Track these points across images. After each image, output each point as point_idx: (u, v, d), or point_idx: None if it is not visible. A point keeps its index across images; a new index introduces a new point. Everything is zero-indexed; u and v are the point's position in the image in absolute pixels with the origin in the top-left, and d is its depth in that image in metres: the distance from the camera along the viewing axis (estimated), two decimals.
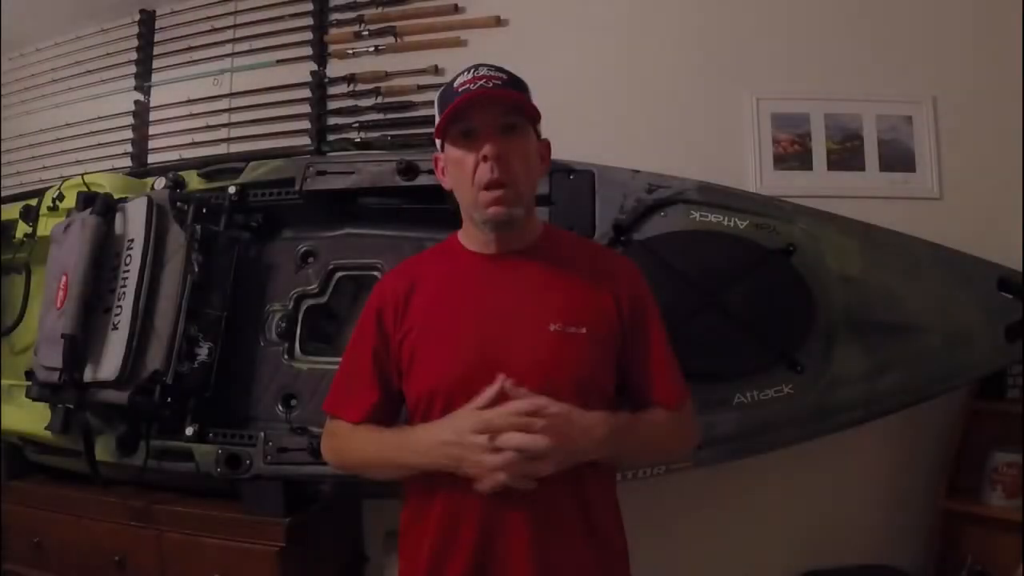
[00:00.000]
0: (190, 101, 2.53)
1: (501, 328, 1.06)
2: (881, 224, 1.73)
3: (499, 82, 1.07)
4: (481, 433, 0.97)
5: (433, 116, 2.46)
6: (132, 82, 2.62)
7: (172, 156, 2.51)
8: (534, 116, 1.11)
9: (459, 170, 1.09)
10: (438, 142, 1.15)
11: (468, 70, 1.10)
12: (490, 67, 1.10)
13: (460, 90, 1.06)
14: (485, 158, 1.05)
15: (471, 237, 1.17)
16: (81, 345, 1.75)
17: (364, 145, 2.30)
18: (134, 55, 2.63)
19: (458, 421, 1.00)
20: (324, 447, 1.21)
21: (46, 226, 2.08)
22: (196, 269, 1.82)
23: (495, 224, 1.09)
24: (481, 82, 1.06)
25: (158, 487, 1.89)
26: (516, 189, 1.08)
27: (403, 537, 1.15)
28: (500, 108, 1.07)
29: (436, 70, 2.31)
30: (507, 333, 1.06)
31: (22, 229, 2.16)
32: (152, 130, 2.60)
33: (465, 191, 1.10)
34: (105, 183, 2.03)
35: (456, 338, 1.08)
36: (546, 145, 1.18)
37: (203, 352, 1.85)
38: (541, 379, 1.03)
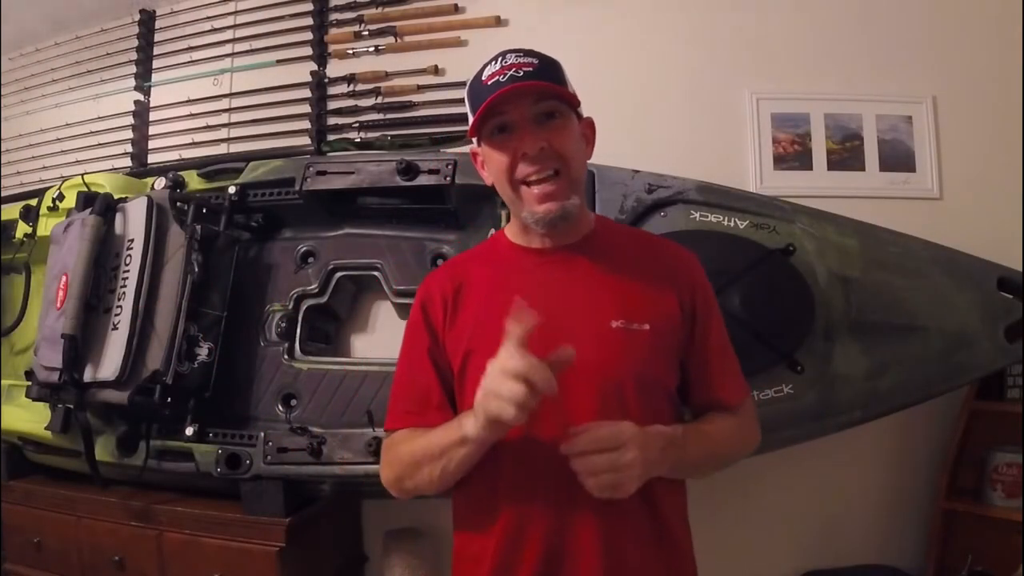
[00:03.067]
0: (190, 101, 2.53)
1: (561, 327, 0.99)
2: (881, 224, 1.73)
3: (530, 69, 0.99)
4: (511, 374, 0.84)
5: (433, 115, 2.46)
6: (132, 82, 2.62)
7: (172, 156, 2.51)
8: (572, 102, 1.03)
9: (498, 168, 1.02)
10: (474, 140, 1.08)
11: (496, 59, 1.02)
12: (519, 52, 1.02)
13: (490, 83, 0.99)
14: (525, 155, 0.99)
15: (519, 232, 1.11)
16: (81, 345, 1.75)
17: (364, 145, 2.30)
18: (134, 55, 2.63)
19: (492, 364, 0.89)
20: (387, 472, 1.07)
21: (46, 226, 2.09)
22: (196, 269, 1.82)
23: (548, 222, 1.02)
24: (511, 72, 0.98)
25: (158, 487, 1.89)
26: (568, 177, 1.01)
27: (458, 561, 1.07)
28: (534, 96, 1.00)
29: (436, 70, 2.31)
30: (568, 331, 0.98)
31: (22, 229, 2.16)
32: (152, 130, 2.60)
33: (507, 189, 1.04)
34: (105, 183, 2.04)
35: None
36: (589, 124, 1.10)
37: (203, 352, 1.85)
38: (604, 377, 0.99)
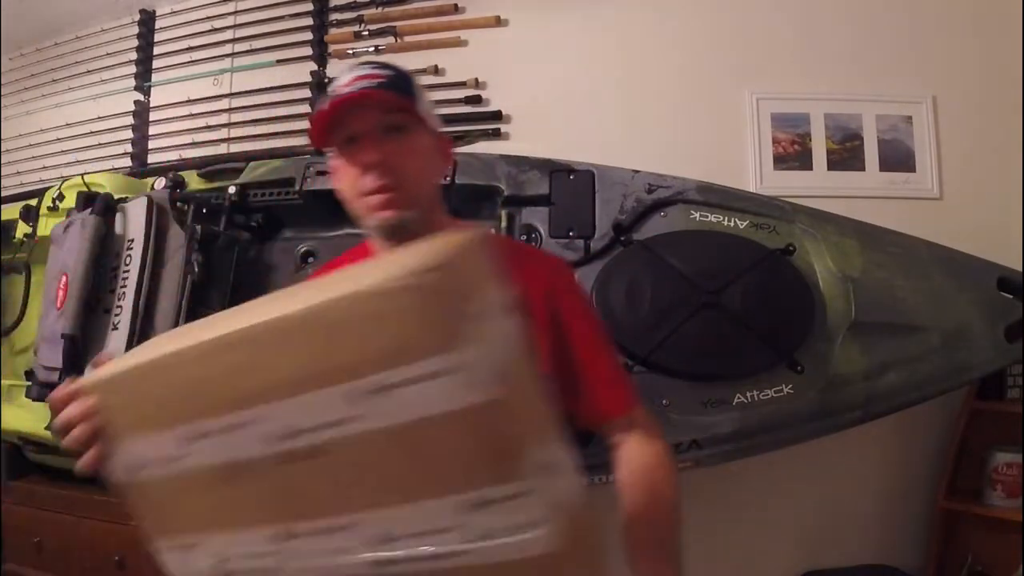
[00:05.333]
0: (190, 101, 2.53)
1: None
2: (881, 224, 1.73)
3: (381, 80, 0.96)
4: None
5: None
6: (132, 82, 2.63)
7: (172, 156, 2.51)
8: (419, 116, 0.99)
9: (345, 179, 1.01)
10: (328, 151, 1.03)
11: (350, 69, 1.00)
12: (373, 64, 0.99)
13: (338, 94, 0.96)
14: (365, 166, 0.97)
15: (377, 242, 1.09)
16: (81, 345, 1.75)
17: None
18: (134, 55, 2.64)
19: None
20: None
21: (46, 226, 2.09)
22: (196, 269, 1.82)
23: (385, 230, 1.01)
24: (361, 83, 0.95)
25: None
26: (406, 191, 0.99)
27: None
28: (380, 108, 0.96)
29: (436, 70, 2.30)
30: None
31: (22, 229, 2.16)
32: (152, 130, 2.60)
33: (352, 200, 1.02)
34: (105, 183, 2.04)
35: None
36: (445, 141, 1.07)
37: None
38: None
